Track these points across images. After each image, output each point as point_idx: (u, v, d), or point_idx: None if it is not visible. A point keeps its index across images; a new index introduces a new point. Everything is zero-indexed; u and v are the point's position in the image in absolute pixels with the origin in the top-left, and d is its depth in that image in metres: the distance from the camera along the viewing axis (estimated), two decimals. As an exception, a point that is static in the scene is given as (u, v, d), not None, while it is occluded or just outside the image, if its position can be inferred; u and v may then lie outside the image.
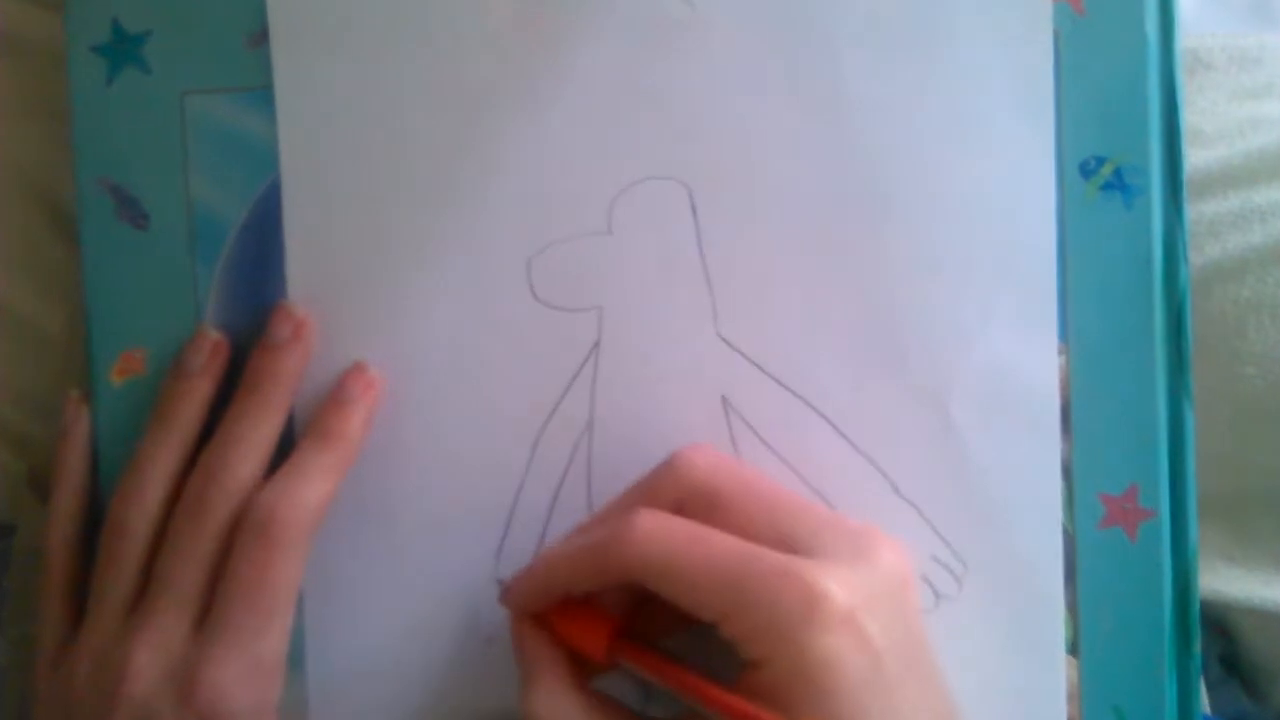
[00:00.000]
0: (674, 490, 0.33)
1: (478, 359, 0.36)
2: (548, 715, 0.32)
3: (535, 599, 0.34)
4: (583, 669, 0.33)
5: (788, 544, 0.31)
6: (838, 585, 0.30)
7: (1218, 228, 0.43)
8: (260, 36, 0.36)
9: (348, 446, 0.36)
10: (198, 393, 0.36)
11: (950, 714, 0.32)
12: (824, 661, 0.29)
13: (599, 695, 0.33)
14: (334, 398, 0.36)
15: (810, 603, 0.29)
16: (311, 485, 0.35)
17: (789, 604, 0.30)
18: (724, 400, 0.36)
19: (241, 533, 0.34)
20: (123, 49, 0.36)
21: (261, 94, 0.36)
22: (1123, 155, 0.36)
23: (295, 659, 0.36)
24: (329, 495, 0.35)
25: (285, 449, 0.36)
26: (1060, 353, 0.36)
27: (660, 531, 0.31)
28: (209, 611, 0.34)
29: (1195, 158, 0.42)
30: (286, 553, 0.34)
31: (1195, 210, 0.42)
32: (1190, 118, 0.37)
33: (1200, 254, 0.42)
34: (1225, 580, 0.45)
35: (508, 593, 0.34)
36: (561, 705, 0.32)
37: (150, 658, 0.34)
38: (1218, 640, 0.46)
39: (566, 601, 0.33)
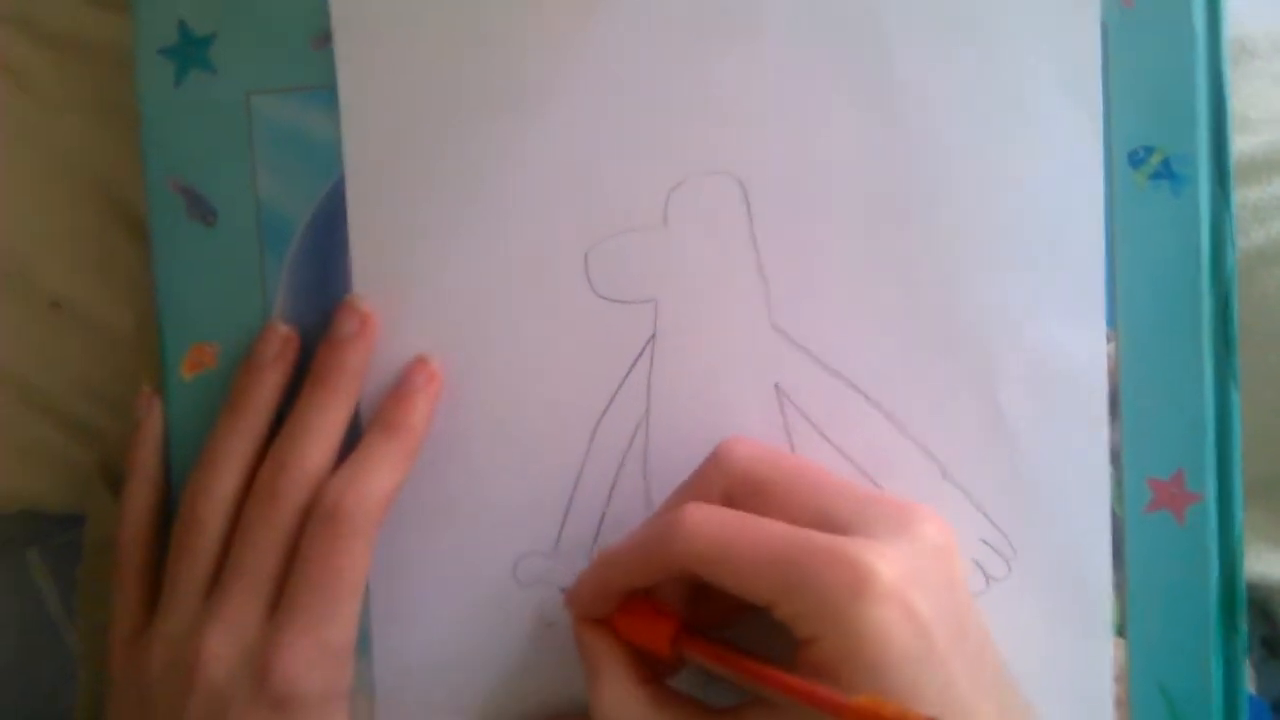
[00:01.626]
0: (720, 482, 0.34)
1: (537, 351, 0.37)
2: (612, 713, 0.33)
3: (596, 599, 0.35)
4: (647, 666, 0.34)
5: (832, 525, 0.32)
6: (882, 561, 0.30)
7: (1263, 213, 0.43)
8: (324, 37, 0.37)
9: (412, 437, 0.37)
10: (269, 385, 0.37)
11: (1004, 684, 0.32)
12: (874, 635, 0.30)
13: (665, 689, 0.34)
14: (398, 390, 0.37)
15: (857, 579, 0.30)
16: (377, 476, 0.36)
17: (836, 582, 0.30)
18: (777, 389, 0.37)
19: (310, 522, 0.35)
20: (189, 51, 0.37)
21: (325, 94, 0.37)
22: (1171, 145, 0.36)
23: (362, 647, 0.37)
24: (395, 485, 0.36)
25: (353, 440, 0.37)
26: (1109, 339, 0.37)
27: (709, 522, 0.32)
28: (280, 599, 0.35)
29: (1240, 144, 0.42)
30: (353, 542, 0.35)
31: (1241, 195, 0.42)
32: (1235, 104, 0.37)
33: (1246, 239, 0.42)
34: (1268, 564, 0.45)
35: (570, 595, 0.36)
36: (629, 703, 0.33)
37: (225, 644, 0.35)
38: (1260, 623, 0.46)
39: (628, 603, 0.34)
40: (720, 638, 0.34)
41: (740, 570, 0.32)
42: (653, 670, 0.35)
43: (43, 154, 0.43)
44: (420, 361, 0.37)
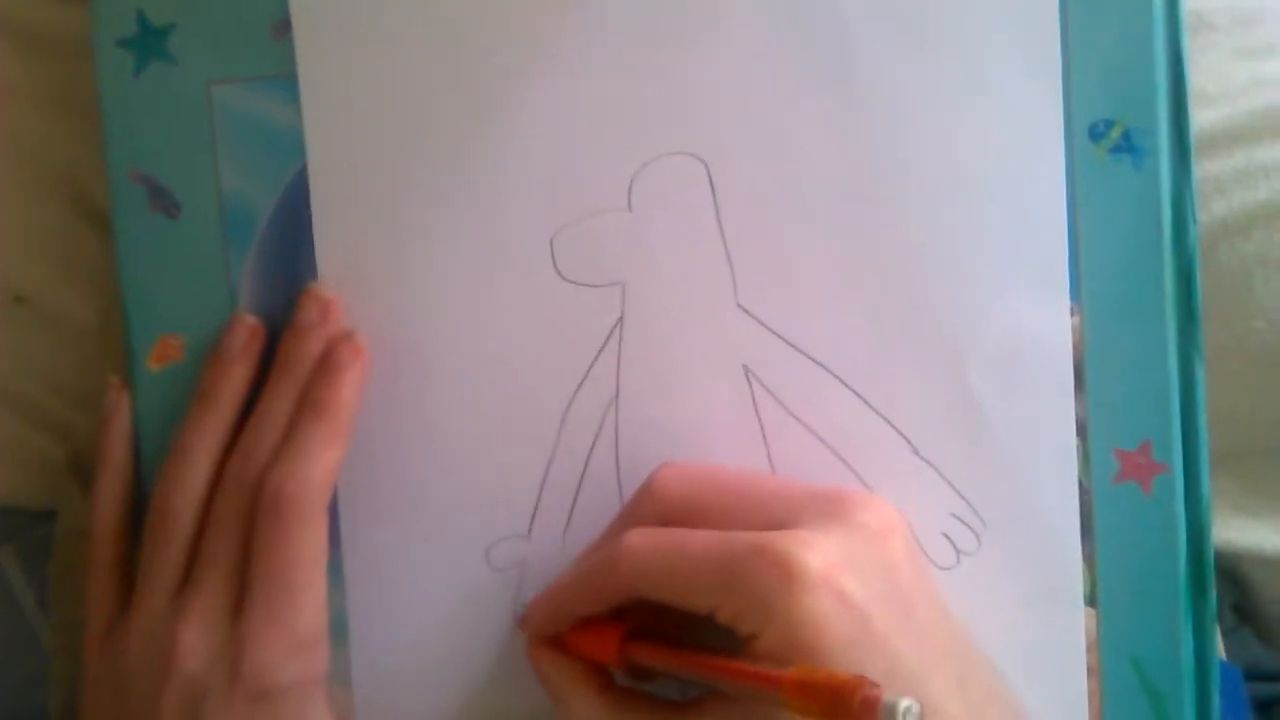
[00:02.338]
0: (655, 509, 0.35)
1: (506, 337, 0.37)
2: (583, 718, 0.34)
3: (548, 624, 0.36)
4: (606, 674, 0.35)
5: (769, 525, 0.33)
6: (809, 550, 0.31)
7: (1223, 185, 0.44)
8: (283, 25, 0.37)
9: (343, 415, 0.36)
10: (237, 377, 0.37)
11: (962, 655, 0.33)
12: (808, 623, 0.30)
13: (626, 692, 0.35)
14: (323, 369, 0.36)
15: (784, 571, 0.31)
16: (311, 459, 0.35)
17: (766, 576, 0.31)
18: (746, 369, 0.37)
19: (257, 514, 0.35)
20: (148, 41, 0.37)
21: (286, 82, 0.37)
22: (1131, 118, 0.36)
23: (339, 636, 0.37)
24: (334, 465, 0.36)
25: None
26: (1073, 313, 0.37)
27: (645, 545, 0.33)
28: (245, 590, 0.35)
29: (1200, 117, 0.43)
30: (300, 528, 0.35)
31: (1201, 169, 0.42)
32: (1194, 78, 0.37)
33: (1207, 212, 0.43)
34: (1236, 530, 0.46)
35: (523, 619, 0.37)
36: (589, 712, 0.34)
37: (199, 637, 0.35)
38: (1230, 589, 0.47)
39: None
40: (665, 638, 0.34)
41: (678, 584, 0.33)
42: (633, 677, 0.35)
43: (3, 148, 0.43)
44: (344, 337, 0.37)
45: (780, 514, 0.33)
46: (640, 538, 0.33)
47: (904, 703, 0.27)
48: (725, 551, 0.32)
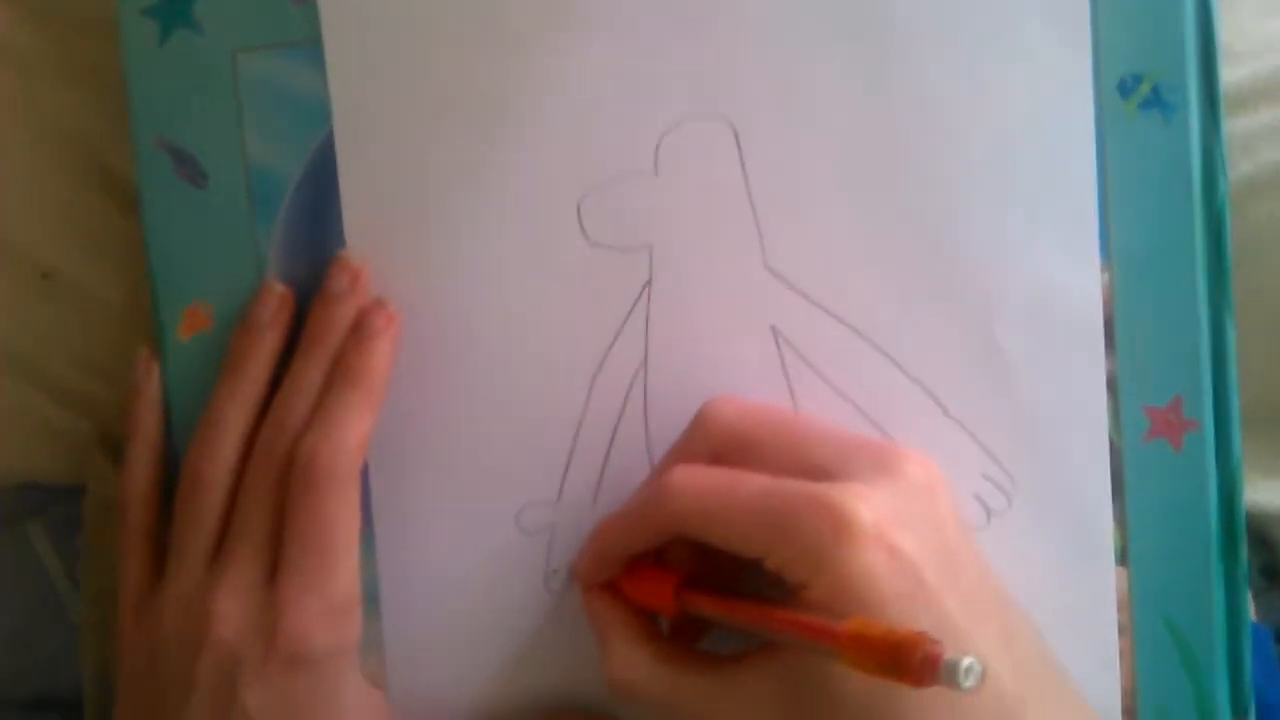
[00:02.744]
0: (705, 443, 0.35)
1: (534, 301, 0.37)
2: (623, 674, 0.34)
3: (599, 567, 0.36)
4: (655, 625, 0.35)
5: (818, 473, 0.32)
6: (863, 503, 0.31)
7: (1250, 143, 0.43)
8: (307, -8, 0.37)
9: (374, 382, 0.36)
10: (267, 345, 0.37)
11: (1007, 611, 0.33)
12: (860, 577, 0.30)
13: (671, 646, 0.35)
14: (356, 336, 0.36)
15: (838, 523, 0.31)
16: (345, 427, 0.35)
17: (819, 528, 0.31)
18: (774, 331, 0.37)
19: (291, 482, 0.35)
20: (173, 10, 0.37)
21: (312, 49, 0.37)
22: (1160, 72, 0.36)
23: (370, 603, 0.37)
24: (365, 433, 0.36)
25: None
26: (1103, 270, 0.37)
27: (694, 483, 0.33)
28: (279, 558, 0.35)
29: (1226, 74, 0.42)
30: (333, 495, 0.35)
31: (1228, 127, 0.42)
32: (1220, 35, 0.37)
33: (1234, 170, 0.42)
34: (1263, 492, 0.46)
35: (575, 567, 0.36)
36: (636, 663, 0.34)
37: (233, 604, 0.35)
38: (1258, 552, 0.47)
39: (633, 566, 0.35)
40: (721, 589, 0.34)
41: (727, 526, 0.32)
42: (680, 635, 0.35)
43: (29, 124, 0.43)
44: (377, 305, 0.37)
45: (830, 461, 0.33)
46: (688, 474, 0.33)
47: (966, 660, 0.26)
48: (778, 498, 0.32)
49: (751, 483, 0.33)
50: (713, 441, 0.35)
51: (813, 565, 0.31)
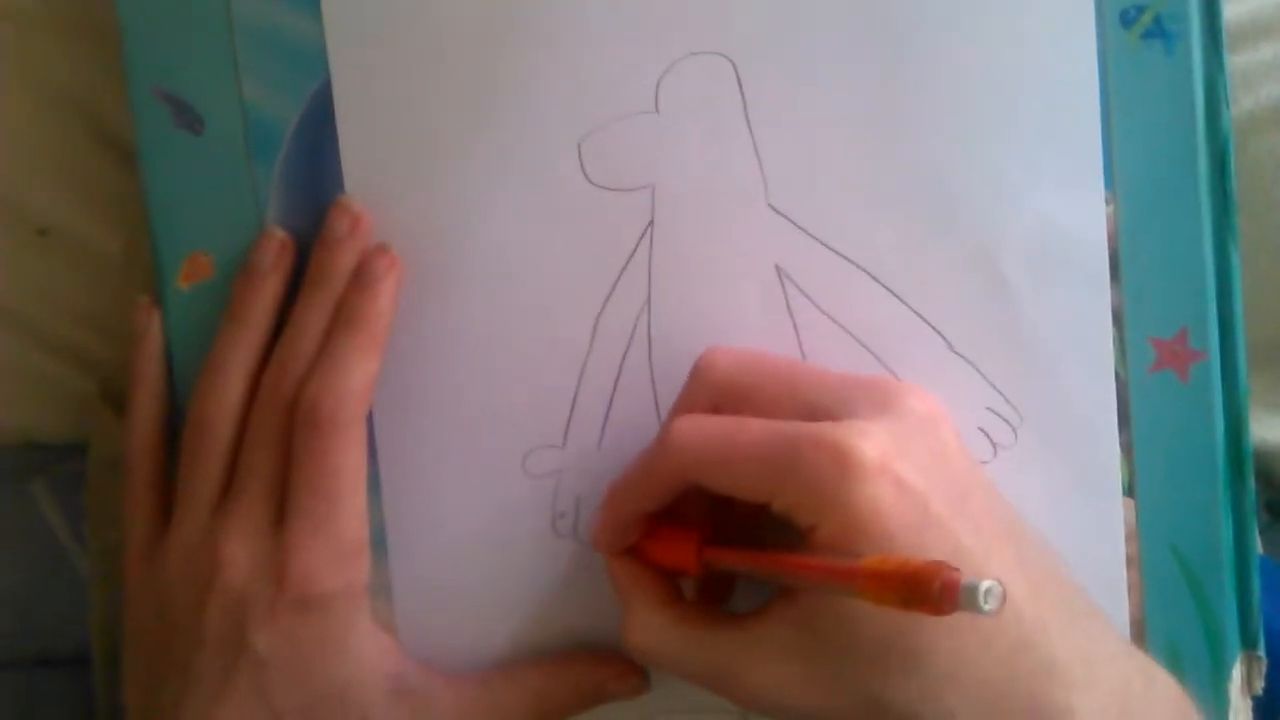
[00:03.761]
0: (704, 394, 0.35)
1: (536, 243, 0.37)
2: (641, 637, 0.34)
3: (617, 531, 0.35)
4: (678, 589, 0.35)
5: (818, 414, 0.32)
6: (865, 439, 0.31)
7: (1251, 79, 0.43)
8: (302, -65, 0.36)
9: (377, 326, 0.36)
10: (268, 291, 0.37)
11: (1020, 534, 0.33)
12: (868, 512, 0.30)
13: (691, 608, 0.35)
14: (359, 281, 0.36)
15: (841, 461, 0.31)
16: (349, 371, 0.35)
17: (822, 467, 0.31)
18: (778, 269, 0.37)
19: (296, 426, 0.35)
20: (166, -44, 0.37)
21: (307, -8, 0.37)
22: (1162, 2, 0.36)
23: (378, 548, 0.37)
24: (369, 376, 0.36)
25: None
26: (1107, 202, 0.37)
27: (696, 432, 0.33)
28: (286, 502, 0.35)
29: (1228, 11, 0.42)
30: (339, 439, 0.35)
31: (1229, 63, 0.42)
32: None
33: (1236, 106, 0.42)
34: (1267, 427, 0.46)
35: (593, 536, 0.36)
36: (654, 626, 0.34)
37: (241, 547, 0.35)
38: (1264, 487, 0.47)
39: (653, 529, 0.35)
40: (743, 543, 0.34)
41: (732, 471, 0.32)
42: (707, 597, 0.36)
43: (24, 79, 0.42)
44: (379, 249, 0.37)
45: (829, 402, 0.33)
46: (690, 424, 0.33)
47: (985, 584, 0.26)
48: (780, 441, 0.32)
49: (753, 427, 0.33)
50: (712, 392, 0.35)
51: (819, 505, 0.31)
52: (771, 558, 0.32)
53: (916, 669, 0.31)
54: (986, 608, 0.26)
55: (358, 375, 0.35)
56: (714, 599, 0.37)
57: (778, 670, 0.32)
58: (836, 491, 0.30)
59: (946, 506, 0.31)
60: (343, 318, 0.36)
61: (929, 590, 0.27)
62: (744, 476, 0.32)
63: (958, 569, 0.27)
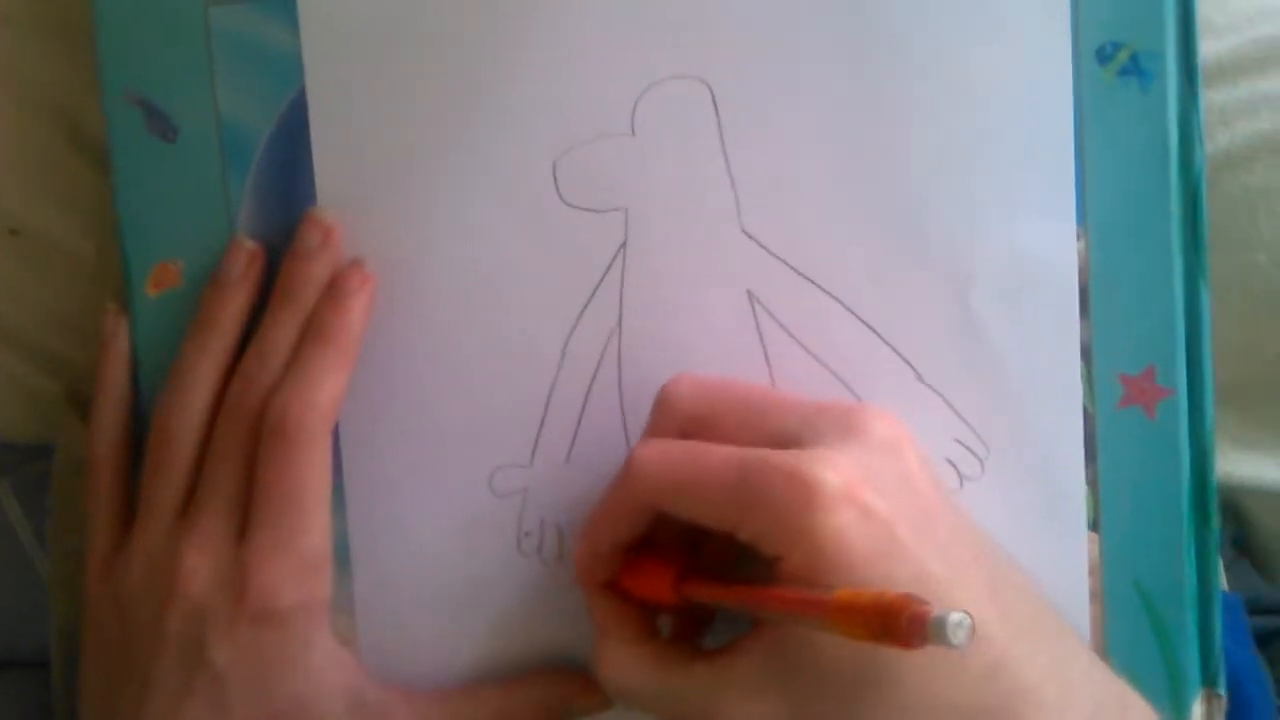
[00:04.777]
0: (670, 423, 0.35)
1: (507, 262, 0.37)
2: (615, 671, 0.34)
3: (594, 564, 0.35)
4: (654, 624, 0.35)
5: (783, 441, 0.32)
6: (829, 468, 0.31)
7: (1228, 116, 0.43)
8: (281, -55, 0.36)
9: (348, 341, 0.36)
10: (237, 302, 0.36)
11: (991, 558, 0.33)
12: (834, 542, 0.30)
13: (666, 645, 0.35)
14: (331, 295, 0.36)
15: (805, 491, 0.30)
16: (318, 384, 0.35)
17: (786, 496, 0.31)
18: (750, 295, 0.37)
19: (262, 437, 0.35)
20: (144, -38, 0.37)
21: (285, 3, 0.36)
22: (1139, 40, 0.36)
23: (342, 563, 0.37)
24: (338, 391, 0.36)
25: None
26: (1078, 237, 0.37)
27: (660, 456, 0.33)
28: (249, 514, 0.35)
29: (1206, 47, 0.42)
30: (305, 452, 0.35)
31: (1206, 99, 0.42)
32: (1201, 8, 0.37)
33: (1211, 143, 0.43)
34: (1236, 464, 0.46)
35: (575, 570, 0.36)
36: (626, 659, 0.34)
37: (201, 559, 0.35)
38: (1230, 523, 0.47)
39: (630, 561, 0.35)
40: (719, 576, 0.34)
41: (695, 498, 0.32)
42: (684, 631, 0.36)
43: (-1, 78, 0.42)
44: (353, 265, 0.37)
45: (793, 427, 0.33)
46: (654, 448, 0.33)
47: (953, 617, 0.26)
48: (744, 468, 0.31)
49: (715, 454, 0.32)
50: (678, 420, 0.34)
51: (785, 535, 0.31)
52: (744, 590, 0.32)
53: (886, 699, 0.31)
54: (955, 641, 0.26)
55: (326, 388, 0.35)
56: (690, 634, 0.36)
57: (750, 705, 0.32)
58: (800, 522, 0.30)
59: (913, 532, 0.31)
60: (314, 331, 0.36)
61: (897, 624, 0.27)
62: (708, 503, 0.32)
63: (927, 603, 0.27)
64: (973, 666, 0.30)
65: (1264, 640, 0.45)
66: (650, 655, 0.34)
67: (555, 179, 0.37)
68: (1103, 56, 0.36)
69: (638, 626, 0.35)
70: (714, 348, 0.37)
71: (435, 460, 0.38)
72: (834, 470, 0.31)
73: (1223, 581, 0.41)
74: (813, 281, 0.37)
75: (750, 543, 0.32)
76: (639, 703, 0.34)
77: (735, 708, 0.32)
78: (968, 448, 0.37)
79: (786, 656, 0.31)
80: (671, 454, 0.33)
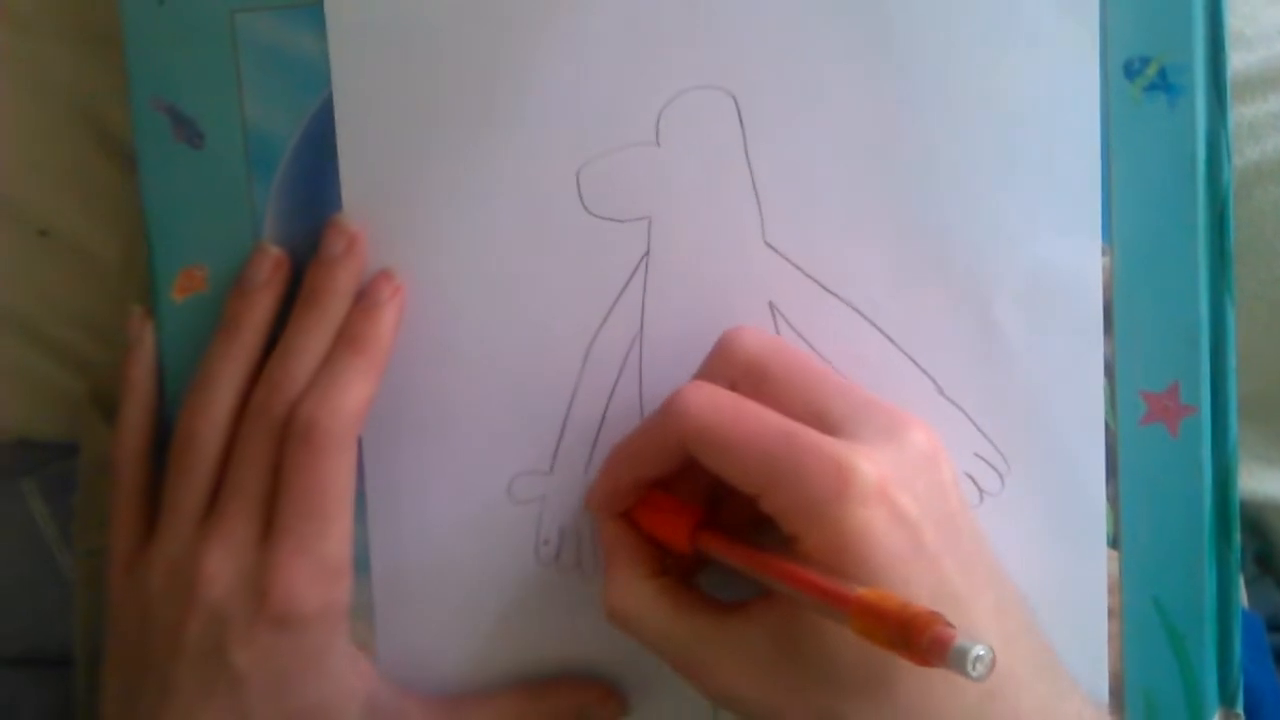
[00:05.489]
0: (725, 369, 0.34)
1: (531, 270, 0.37)
2: (620, 602, 0.34)
3: (613, 493, 0.35)
4: (663, 562, 0.35)
5: (825, 422, 0.32)
6: (867, 462, 0.31)
7: (1258, 130, 0.43)
8: (309, -46, 0.37)
9: (379, 350, 0.36)
10: (261, 307, 0.37)
11: (1000, 582, 0.33)
12: (859, 534, 0.30)
13: (675, 584, 0.34)
14: (362, 304, 0.37)
15: (841, 479, 0.30)
16: (347, 391, 0.35)
17: (820, 480, 0.31)
18: (772, 306, 0.37)
19: (288, 442, 0.35)
20: (173, -31, 0.37)
21: (312, 11, 0.37)
22: (1167, 55, 0.36)
23: (361, 565, 0.37)
24: (366, 399, 0.36)
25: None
26: (1103, 253, 0.36)
27: (707, 403, 0.33)
28: (272, 518, 0.35)
29: (1235, 61, 0.42)
30: (331, 458, 0.35)
31: (1235, 113, 0.42)
32: (1230, 21, 0.37)
33: (1241, 156, 0.42)
34: (1260, 480, 0.46)
35: (589, 495, 0.36)
36: (636, 593, 0.34)
37: (223, 563, 0.35)
38: (1252, 539, 0.47)
39: (650, 496, 0.35)
40: (736, 536, 0.34)
41: (730, 454, 0.32)
42: (677, 569, 0.35)
43: (27, 82, 0.43)
44: (384, 275, 0.37)
45: (838, 415, 0.33)
46: (703, 392, 0.33)
47: (976, 649, 0.25)
48: (784, 441, 0.31)
49: (760, 417, 0.32)
50: (732, 368, 0.34)
51: (811, 516, 0.31)
52: (764, 559, 0.32)
53: (883, 703, 0.31)
54: (974, 674, 0.26)
55: (355, 395, 0.35)
56: (685, 574, 0.36)
57: (748, 670, 0.32)
58: (829, 509, 0.30)
59: (939, 542, 0.31)
60: (345, 338, 0.36)
61: (917, 640, 0.27)
62: (740, 463, 0.32)
63: (953, 627, 0.27)
64: (974, 686, 0.30)
65: (1284, 657, 0.45)
66: (660, 590, 0.34)
67: (579, 188, 0.37)
68: (1130, 71, 0.36)
69: (650, 560, 0.35)
70: (735, 359, 0.37)
71: (455, 467, 0.38)
72: (873, 465, 0.31)
73: (1244, 599, 0.41)
74: (835, 294, 0.37)
75: (772, 514, 0.32)
76: (641, 636, 0.34)
77: (734, 675, 0.32)
78: (988, 463, 0.37)
79: (794, 639, 0.32)
80: (720, 402, 0.33)
